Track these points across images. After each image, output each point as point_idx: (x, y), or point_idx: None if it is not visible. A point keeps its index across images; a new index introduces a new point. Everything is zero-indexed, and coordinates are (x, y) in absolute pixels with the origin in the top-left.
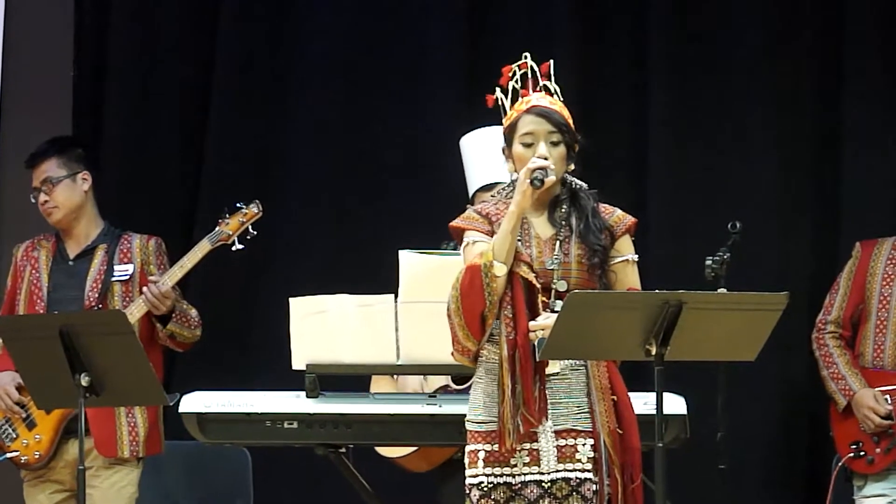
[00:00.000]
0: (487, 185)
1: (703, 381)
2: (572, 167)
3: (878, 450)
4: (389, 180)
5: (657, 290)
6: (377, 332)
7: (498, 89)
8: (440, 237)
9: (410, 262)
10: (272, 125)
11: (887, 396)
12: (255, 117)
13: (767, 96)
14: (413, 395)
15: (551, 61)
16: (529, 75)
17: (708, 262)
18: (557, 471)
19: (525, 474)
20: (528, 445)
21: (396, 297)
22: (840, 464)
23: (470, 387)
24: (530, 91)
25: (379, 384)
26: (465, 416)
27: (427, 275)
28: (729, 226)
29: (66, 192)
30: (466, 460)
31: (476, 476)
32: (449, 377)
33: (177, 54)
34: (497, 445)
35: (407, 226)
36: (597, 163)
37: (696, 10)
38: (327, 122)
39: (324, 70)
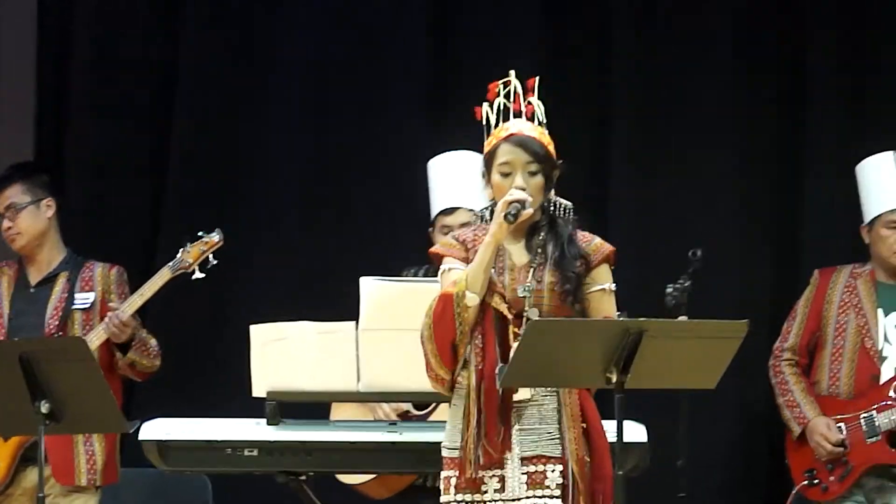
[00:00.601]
0: (448, 209)
1: (663, 409)
2: (552, 194)
3: (832, 478)
4: (351, 207)
5: (618, 317)
6: (338, 360)
7: (485, 104)
8: (402, 264)
9: (372, 289)
10: (234, 153)
11: (841, 425)
12: (217, 145)
13: (729, 125)
14: (373, 423)
15: (537, 78)
16: (512, 92)
17: (669, 290)
18: (527, 497)
19: (496, 500)
20: (498, 472)
21: (358, 324)
22: (794, 492)
23: (430, 413)
24: (521, 104)
25: (340, 411)
26: (426, 443)
27: (388, 302)
28: (690, 253)
29: (30, 219)
30: (441, 486)
31: (449, 502)
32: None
33: (139, 77)
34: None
35: (368, 253)
36: (558, 189)
37: (660, 38)
38: (290, 151)
39: (288, 100)
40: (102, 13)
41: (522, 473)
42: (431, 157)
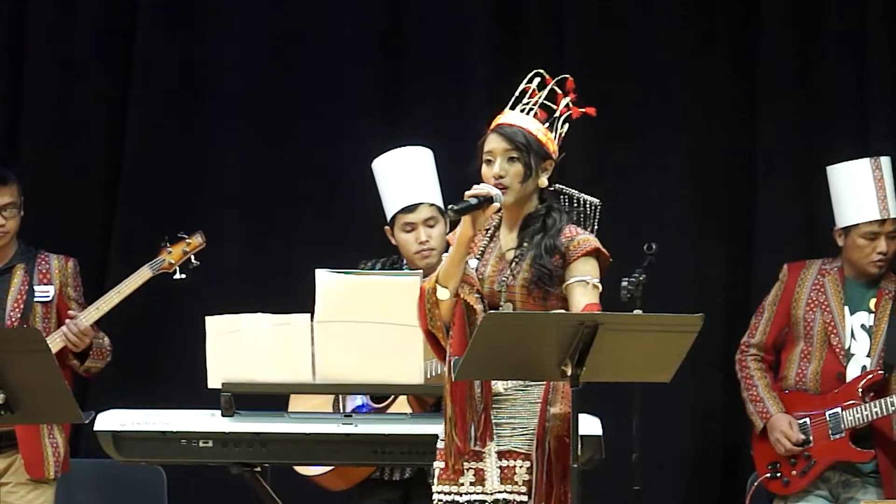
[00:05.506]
0: (410, 205)
1: (618, 402)
2: (544, 182)
3: (794, 472)
4: (307, 199)
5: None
6: (293, 351)
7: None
8: (358, 256)
9: (327, 281)
10: (189, 146)
11: (806, 420)
12: (171, 139)
13: (683, 120)
14: (329, 415)
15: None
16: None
17: (624, 284)
18: (500, 491)
19: (471, 493)
20: (474, 465)
21: (313, 316)
22: (756, 483)
23: (388, 406)
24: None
25: (299, 401)
26: (381, 435)
27: (343, 294)
28: (645, 247)
29: (17, 219)
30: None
31: (433, 493)
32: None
33: (92, 85)
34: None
35: (325, 245)
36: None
37: (614, 38)
38: (245, 143)
39: (239, 94)
40: (56, 16)
41: (497, 467)
42: (385, 150)
